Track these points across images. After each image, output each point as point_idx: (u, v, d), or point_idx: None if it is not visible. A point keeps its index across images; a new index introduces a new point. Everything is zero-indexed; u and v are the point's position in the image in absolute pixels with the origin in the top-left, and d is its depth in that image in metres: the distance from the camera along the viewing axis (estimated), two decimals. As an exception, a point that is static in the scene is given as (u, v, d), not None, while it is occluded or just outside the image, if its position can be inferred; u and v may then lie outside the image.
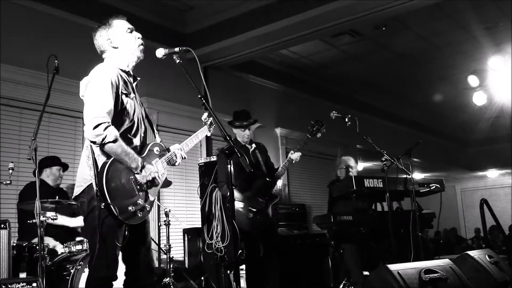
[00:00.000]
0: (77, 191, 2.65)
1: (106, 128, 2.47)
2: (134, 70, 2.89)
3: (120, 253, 2.66)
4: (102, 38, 2.79)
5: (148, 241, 2.82)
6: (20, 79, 5.12)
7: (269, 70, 8.75)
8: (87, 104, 2.57)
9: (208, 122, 3.25)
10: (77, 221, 4.58)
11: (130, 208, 2.54)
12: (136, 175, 2.62)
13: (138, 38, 2.83)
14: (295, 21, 6.26)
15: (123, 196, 2.54)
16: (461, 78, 9.33)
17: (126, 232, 2.60)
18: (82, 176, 2.63)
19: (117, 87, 2.63)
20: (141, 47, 2.83)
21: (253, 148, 4.78)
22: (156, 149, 2.84)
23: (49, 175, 4.73)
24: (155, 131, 3.04)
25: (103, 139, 2.47)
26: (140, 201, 2.60)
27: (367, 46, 8.35)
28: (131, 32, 2.82)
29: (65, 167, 4.90)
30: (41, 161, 4.76)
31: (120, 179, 2.55)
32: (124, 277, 2.76)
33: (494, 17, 7.36)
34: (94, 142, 2.50)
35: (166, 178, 2.83)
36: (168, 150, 2.92)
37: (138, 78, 2.91)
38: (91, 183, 2.54)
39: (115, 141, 2.50)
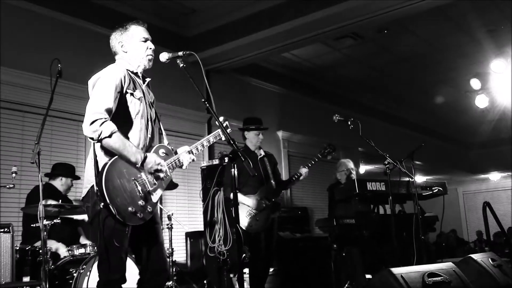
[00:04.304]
0: (83, 192, 2.67)
1: (102, 123, 2.49)
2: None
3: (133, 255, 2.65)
4: (116, 40, 2.86)
5: (160, 241, 2.82)
6: (22, 83, 5.13)
7: (271, 73, 8.76)
8: (90, 100, 2.60)
9: (224, 125, 3.18)
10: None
11: (130, 208, 2.53)
12: (141, 170, 2.62)
13: (149, 48, 2.86)
14: (297, 24, 6.27)
15: (123, 197, 2.53)
16: (463, 81, 9.31)
17: (129, 234, 2.59)
18: (87, 178, 2.66)
19: (122, 87, 2.67)
20: (150, 57, 2.86)
21: (261, 155, 4.86)
22: (161, 151, 2.83)
23: (63, 184, 4.82)
24: (163, 133, 3.01)
25: (99, 135, 2.48)
26: (141, 202, 2.59)
27: (369, 49, 8.35)
28: (145, 41, 2.86)
29: (77, 178, 4.99)
30: (58, 168, 4.83)
31: (120, 179, 2.55)
32: (138, 277, 2.77)
33: (496, 20, 7.35)
34: (92, 138, 2.52)
35: (171, 180, 2.82)
36: (176, 152, 2.90)
37: (148, 79, 2.94)
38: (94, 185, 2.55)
39: (110, 135, 2.50)
